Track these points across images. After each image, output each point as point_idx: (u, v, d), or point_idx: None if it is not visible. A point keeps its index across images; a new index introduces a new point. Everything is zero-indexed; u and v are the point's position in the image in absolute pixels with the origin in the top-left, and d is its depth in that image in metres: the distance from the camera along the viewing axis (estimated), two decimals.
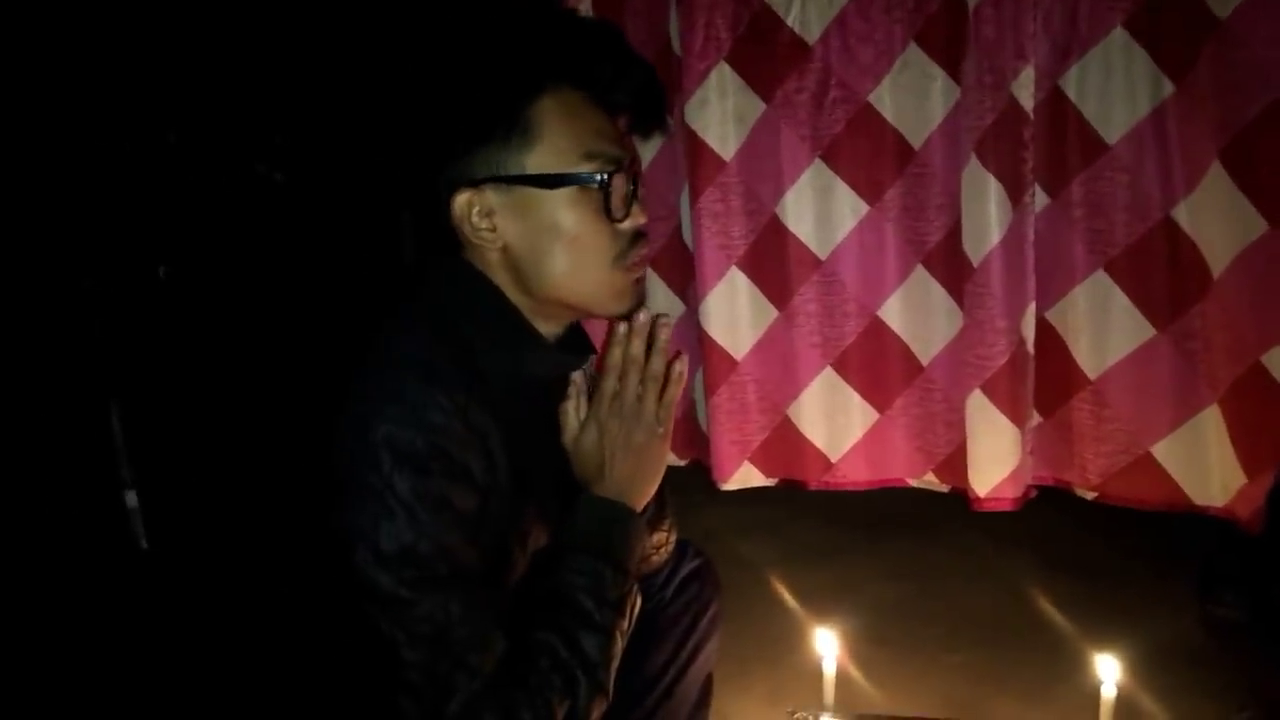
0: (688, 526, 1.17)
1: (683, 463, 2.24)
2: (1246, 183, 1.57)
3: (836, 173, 1.95)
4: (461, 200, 0.90)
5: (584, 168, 0.89)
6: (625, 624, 0.89)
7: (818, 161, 1.95)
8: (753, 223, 2.02)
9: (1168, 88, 1.64)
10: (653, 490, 0.98)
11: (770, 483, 2.12)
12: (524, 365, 0.94)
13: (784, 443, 2.08)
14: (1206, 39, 1.57)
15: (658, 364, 0.95)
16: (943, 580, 1.89)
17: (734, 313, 2.05)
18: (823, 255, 1.99)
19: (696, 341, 2.09)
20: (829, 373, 2.03)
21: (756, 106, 1.96)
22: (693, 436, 2.20)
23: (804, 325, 2.02)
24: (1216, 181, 1.60)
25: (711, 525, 2.09)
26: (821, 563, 1.98)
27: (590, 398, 0.96)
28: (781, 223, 1.99)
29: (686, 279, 2.13)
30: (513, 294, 0.93)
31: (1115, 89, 1.69)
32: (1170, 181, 1.66)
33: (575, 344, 1.00)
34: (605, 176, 0.89)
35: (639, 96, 0.94)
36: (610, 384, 0.95)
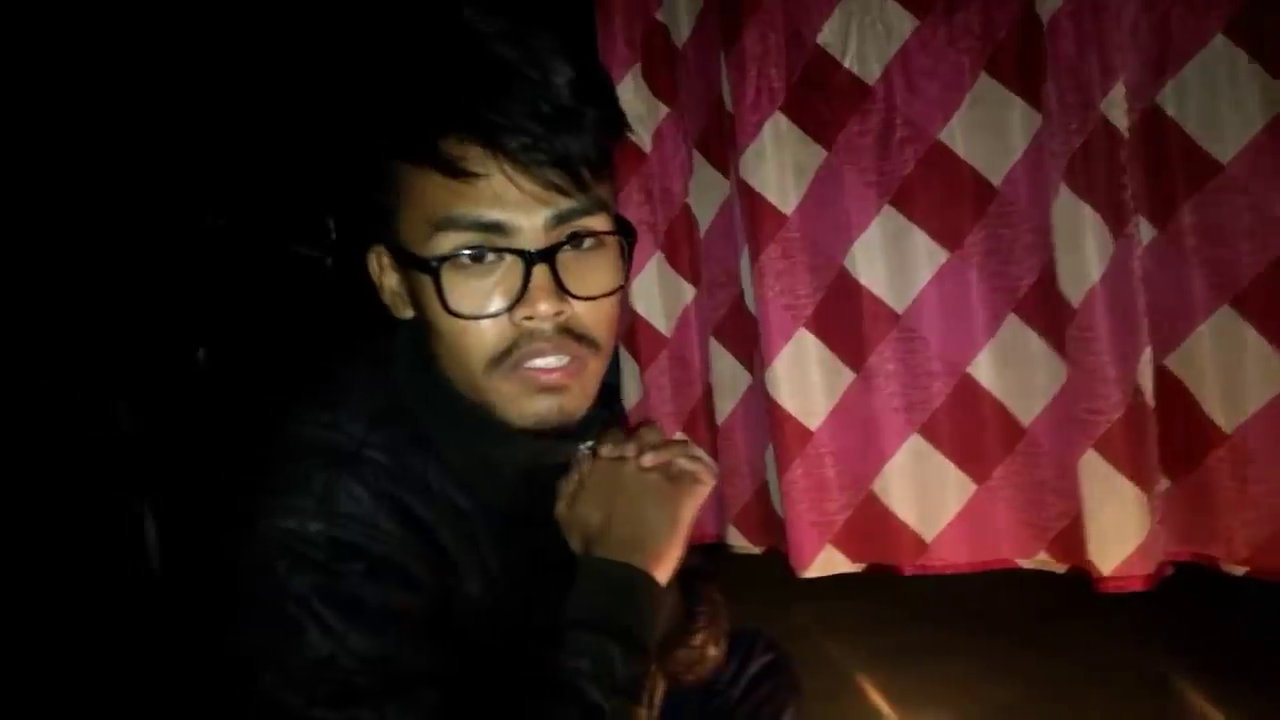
0: (771, 622, 1.01)
1: (758, 550, 2.07)
2: None
3: (909, 218, 1.83)
4: (371, 257, 0.77)
5: (435, 242, 0.68)
6: (645, 714, 0.73)
7: (887, 208, 1.84)
8: (819, 279, 1.90)
9: None
10: (673, 548, 0.77)
11: (857, 568, 1.93)
12: (492, 454, 0.77)
13: (870, 522, 1.90)
14: None
15: (678, 438, 0.81)
16: (1064, 680, 1.67)
17: (805, 378, 1.91)
18: (900, 309, 1.85)
19: (765, 414, 1.96)
20: (916, 440, 1.86)
21: (817, 155, 1.88)
22: (767, 520, 2.04)
23: (884, 388, 1.87)
24: None
25: (792, 621, 1.93)
26: (920, 661, 1.78)
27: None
28: (851, 276, 1.87)
29: (752, 348, 2.01)
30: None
31: (1222, 102, 1.54)
32: None
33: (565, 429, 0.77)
34: (444, 258, 0.68)
35: (539, 138, 0.67)
36: (615, 438, 0.81)
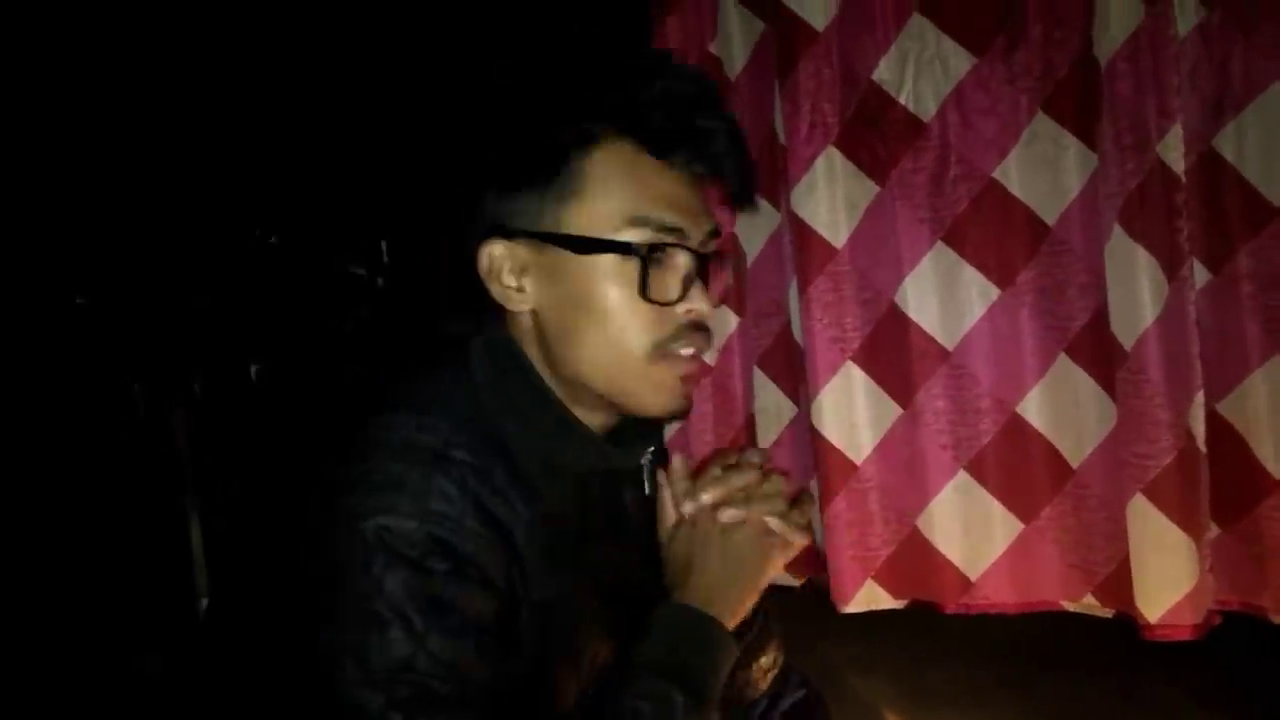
0: (801, 661, 1.04)
1: (798, 584, 2.08)
2: None
3: (961, 255, 1.85)
4: (492, 251, 0.82)
5: (626, 234, 0.78)
6: None
7: (939, 244, 1.87)
8: (869, 313, 1.93)
9: None
10: (749, 603, 0.85)
11: (899, 605, 1.94)
12: (562, 456, 0.82)
13: (914, 558, 1.91)
14: None
15: (774, 484, 0.85)
16: None
17: (851, 412, 1.94)
18: (950, 345, 1.87)
19: (809, 446, 1.98)
20: (963, 477, 1.87)
21: (869, 190, 1.91)
22: (808, 553, 2.05)
23: (932, 424, 1.89)
24: None
25: (829, 659, 1.92)
26: (960, 705, 1.77)
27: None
28: (901, 311, 1.89)
29: (797, 380, 2.04)
30: (545, 373, 0.83)
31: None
32: None
33: (631, 437, 0.87)
34: (651, 248, 0.78)
35: (712, 161, 0.82)
36: (714, 475, 0.86)
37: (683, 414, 0.83)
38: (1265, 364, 1.58)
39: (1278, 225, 1.55)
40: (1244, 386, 1.60)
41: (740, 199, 0.85)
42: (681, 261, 0.80)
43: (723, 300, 0.91)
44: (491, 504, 0.75)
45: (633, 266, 0.78)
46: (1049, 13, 1.72)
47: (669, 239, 0.79)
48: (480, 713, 0.70)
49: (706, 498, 0.85)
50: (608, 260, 0.78)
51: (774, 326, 2.08)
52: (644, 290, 0.78)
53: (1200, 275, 1.62)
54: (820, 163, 1.92)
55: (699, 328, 0.82)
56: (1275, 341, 1.57)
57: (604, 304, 0.79)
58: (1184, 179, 1.59)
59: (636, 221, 0.79)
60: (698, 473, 0.89)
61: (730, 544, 0.83)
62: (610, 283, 0.79)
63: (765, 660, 0.94)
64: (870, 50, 1.88)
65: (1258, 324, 1.58)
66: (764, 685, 0.97)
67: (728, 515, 0.84)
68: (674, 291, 0.80)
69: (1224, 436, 1.62)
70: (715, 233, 0.83)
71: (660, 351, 0.80)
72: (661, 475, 0.88)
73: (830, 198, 1.92)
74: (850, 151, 1.91)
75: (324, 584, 0.72)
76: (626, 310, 0.79)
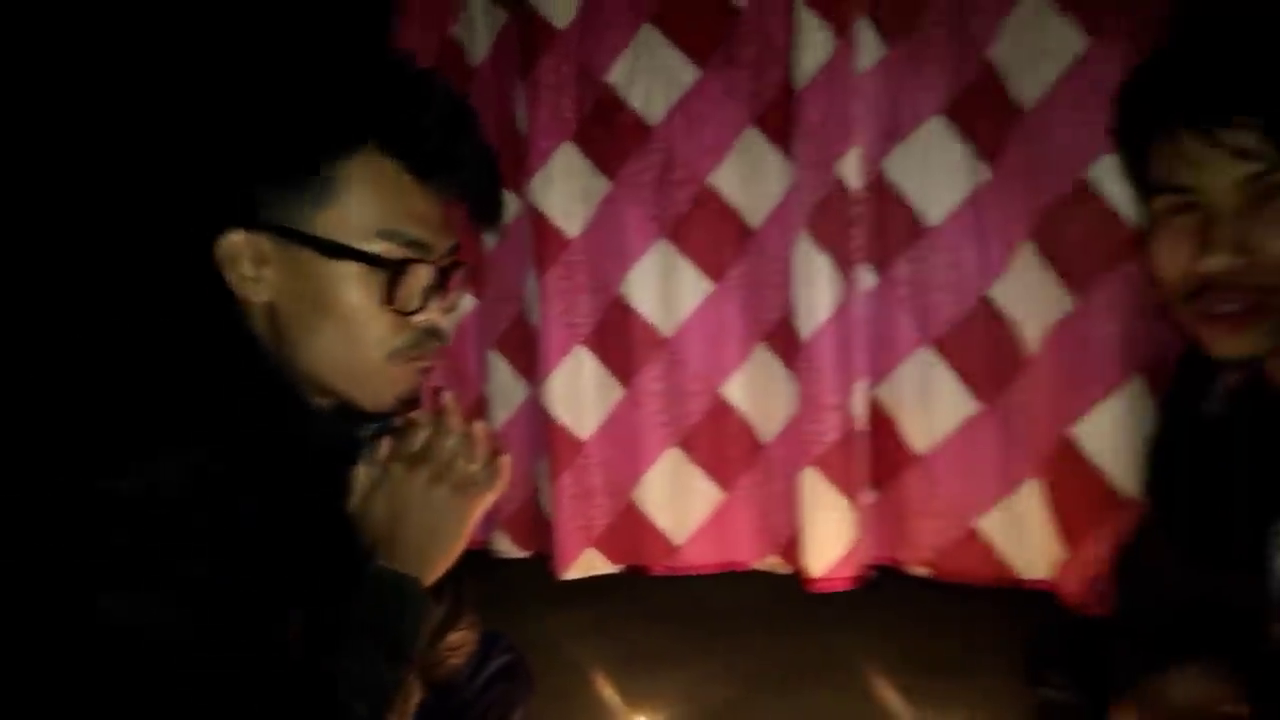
0: (522, 628, 1.11)
1: (525, 555, 2.26)
2: (1052, 262, 1.74)
3: (681, 252, 2.07)
4: (234, 240, 0.84)
5: (375, 246, 0.82)
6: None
7: (662, 241, 2.08)
8: (598, 301, 2.12)
9: (982, 174, 1.82)
10: (449, 560, 0.90)
11: (614, 569, 2.16)
12: (286, 429, 0.86)
13: (629, 527, 2.13)
14: (1013, 128, 1.76)
15: (479, 429, 0.90)
16: (780, 676, 1.88)
17: (579, 393, 2.13)
18: (668, 334, 2.09)
19: (540, 424, 2.15)
20: (674, 453, 2.11)
21: (602, 186, 2.09)
22: (535, 525, 2.23)
23: (649, 405, 2.11)
24: (1027, 261, 1.78)
25: (550, 626, 2.04)
26: (657, 663, 1.94)
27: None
28: (626, 302, 2.09)
29: (530, 361, 2.20)
30: (275, 353, 0.86)
31: (935, 173, 1.87)
32: (987, 261, 1.83)
33: (357, 413, 0.91)
34: (396, 261, 0.83)
35: (468, 187, 0.88)
36: (416, 440, 0.90)
37: (410, 409, 0.89)
38: (914, 355, 1.91)
39: (930, 238, 1.88)
40: (895, 375, 1.93)
41: (488, 223, 0.93)
42: (424, 274, 0.86)
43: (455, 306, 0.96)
44: (212, 470, 0.78)
45: (377, 275, 0.83)
46: (760, 38, 1.96)
47: (414, 254, 0.85)
48: (219, 679, 0.75)
49: (400, 452, 0.89)
50: (353, 266, 0.83)
51: (510, 311, 2.22)
52: (388, 300, 0.84)
53: (868, 279, 1.93)
54: (558, 156, 2.07)
55: (435, 335, 0.88)
56: (923, 337, 1.90)
57: (345, 308, 0.84)
58: (859, 195, 1.88)
59: (386, 235, 0.83)
60: (400, 433, 0.92)
61: (429, 504, 0.87)
62: (353, 288, 0.83)
63: (455, 637, 1.02)
64: (606, 53, 2.05)
65: (910, 321, 1.91)
66: (455, 661, 1.04)
67: (425, 476, 0.88)
68: (414, 302, 0.85)
69: (879, 416, 1.95)
70: (456, 246, 0.90)
71: (396, 356, 0.86)
72: (383, 444, 0.91)
73: (566, 191, 2.08)
74: (586, 148, 2.08)
75: (55, 549, 0.76)
76: (367, 315, 0.84)
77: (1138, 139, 1.05)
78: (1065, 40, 1.69)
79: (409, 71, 0.91)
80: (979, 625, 1.94)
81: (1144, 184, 1.06)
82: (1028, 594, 1.86)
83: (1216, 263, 0.94)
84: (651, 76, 2.04)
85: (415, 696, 0.86)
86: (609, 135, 2.07)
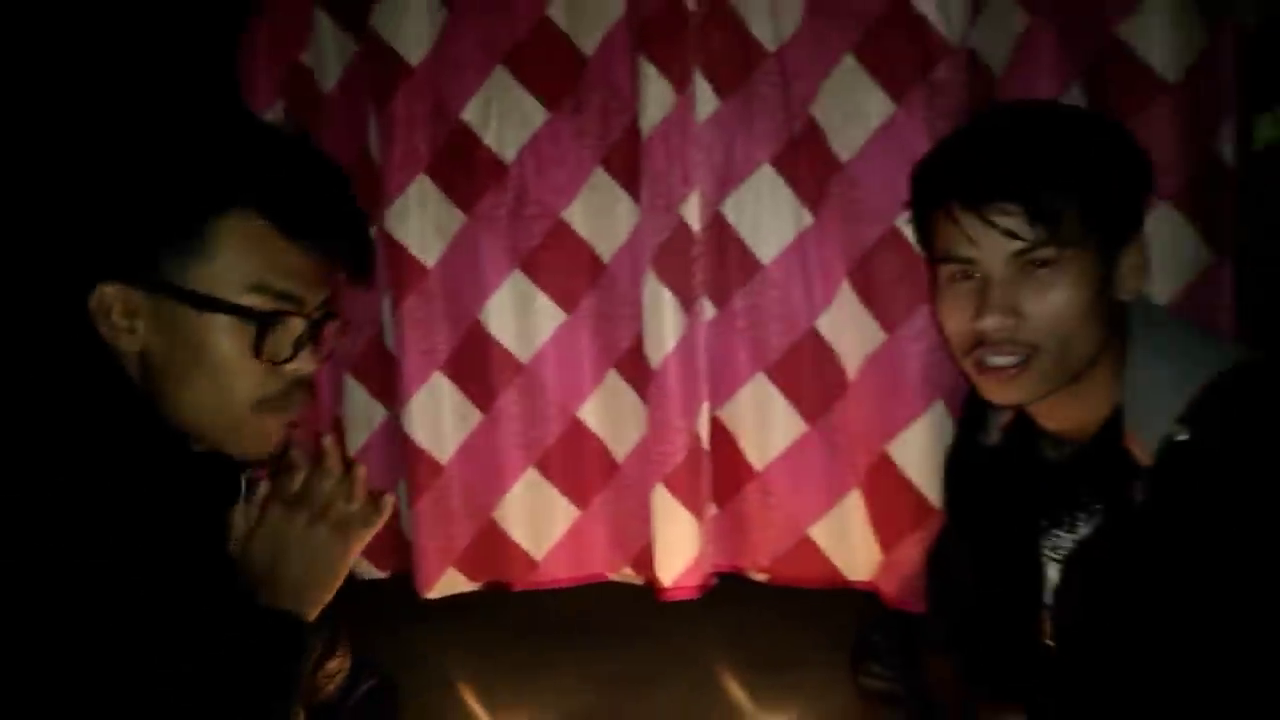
0: (388, 647, 1.15)
1: (384, 575, 2.32)
2: (868, 298, 1.97)
3: (535, 283, 2.19)
4: (107, 292, 0.87)
5: (246, 299, 0.87)
6: None
7: (517, 272, 2.19)
8: (456, 329, 2.21)
9: (807, 218, 2.04)
10: (328, 596, 0.96)
11: (475, 587, 2.26)
12: (159, 468, 0.89)
13: (489, 545, 2.24)
14: (832, 179, 1.98)
15: (358, 471, 0.95)
16: (637, 680, 2.02)
17: (438, 418, 2.21)
18: (525, 360, 2.21)
19: (399, 448, 2.22)
20: (532, 473, 2.23)
21: (457, 218, 2.17)
22: (395, 546, 2.30)
23: (508, 428, 2.22)
24: (847, 297, 2.00)
25: (416, 644, 2.13)
26: (520, 674, 2.04)
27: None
28: (484, 329, 2.19)
29: (387, 384, 2.26)
30: (153, 401, 0.90)
31: (766, 216, 2.07)
32: (812, 297, 2.05)
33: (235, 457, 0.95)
34: (266, 313, 0.87)
35: (338, 246, 0.93)
36: (295, 481, 0.95)
37: (278, 460, 0.95)
38: (750, 380, 2.11)
39: (762, 275, 2.08)
40: (735, 398, 2.13)
41: (359, 280, 1.00)
42: (295, 325, 0.92)
43: (329, 357, 1.04)
44: (128, 504, 0.83)
45: (247, 327, 0.89)
46: (606, 86, 2.11)
47: (286, 306, 0.91)
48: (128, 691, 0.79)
49: (280, 494, 0.97)
50: (224, 319, 0.88)
51: (366, 337, 2.27)
52: (257, 351, 0.89)
53: (709, 311, 2.11)
54: (413, 188, 2.13)
55: (304, 385, 0.95)
56: (758, 364, 2.11)
57: (216, 358, 0.89)
58: (700, 236, 2.06)
59: (256, 288, 0.89)
60: (279, 475, 0.99)
61: (308, 545, 0.94)
62: (224, 339, 0.89)
63: (332, 665, 1.10)
64: (459, 92, 2.12)
65: (746, 350, 2.11)
66: (330, 688, 1.12)
67: (304, 517, 0.95)
68: (284, 353, 0.91)
69: (722, 436, 2.14)
70: (329, 299, 0.96)
71: (265, 405, 0.92)
72: (263, 485, 0.98)
73: (421, 222, 2.15)
74: (441, 181, 2.15)
75: None
76: (237, 366, 0.90)
77: (927, 213, 1.28)
78: (876, 104, 1.92)
79: (283, 136, 0.98)
80: (812, 624, 2.17)
81: (931, 252, 1.29)
82: (853, 594, 2.10)
83: (991, 323, 1.17)
84: (504, 117, 2.13)
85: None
86: (464, 170, 2.15)
